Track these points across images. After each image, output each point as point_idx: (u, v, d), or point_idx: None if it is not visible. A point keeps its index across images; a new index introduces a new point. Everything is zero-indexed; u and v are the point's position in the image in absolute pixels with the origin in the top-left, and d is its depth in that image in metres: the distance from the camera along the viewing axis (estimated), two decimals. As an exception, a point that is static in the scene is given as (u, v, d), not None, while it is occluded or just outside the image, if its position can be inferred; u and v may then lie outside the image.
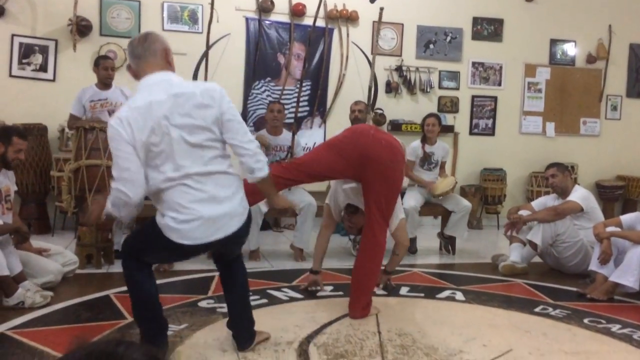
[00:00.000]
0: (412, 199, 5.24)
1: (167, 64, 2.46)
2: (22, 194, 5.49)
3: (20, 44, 5.97)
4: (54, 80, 6.07)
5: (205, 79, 4.68)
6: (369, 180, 3.23)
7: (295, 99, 6.31)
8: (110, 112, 5.00)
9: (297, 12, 6.55)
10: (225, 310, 3.08)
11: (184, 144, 2.36)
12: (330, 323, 3.20)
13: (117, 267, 4.39)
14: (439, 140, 5.57)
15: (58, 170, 5.46)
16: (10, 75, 5.96)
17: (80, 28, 5.99)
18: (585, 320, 3.43)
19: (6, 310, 3.24)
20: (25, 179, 5.56)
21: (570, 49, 7.49)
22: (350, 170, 3.27)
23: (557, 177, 4.70)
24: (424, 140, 5.45)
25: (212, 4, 4.37)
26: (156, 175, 2.36)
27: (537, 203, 4.95)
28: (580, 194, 4.64)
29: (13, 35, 5.93)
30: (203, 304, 3.50)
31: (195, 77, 6.31)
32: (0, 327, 2.99)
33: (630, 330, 3.27)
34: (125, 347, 0.87)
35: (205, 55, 4.67)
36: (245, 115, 6.50)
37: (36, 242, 3.97)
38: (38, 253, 3.78)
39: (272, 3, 6.48)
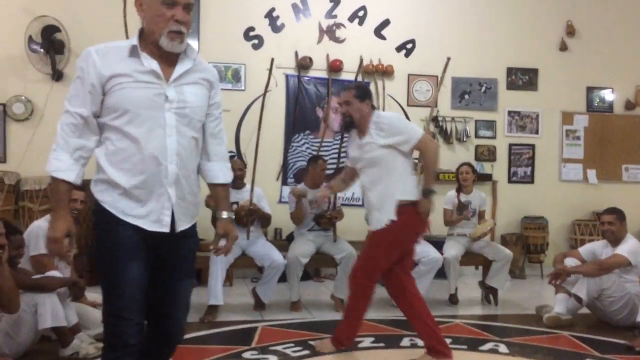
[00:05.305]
0: (452, 249, 5.25)
1: None
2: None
3: None
4: None
5: (258, 135, 5.32)
6: None
7: (335, 151, 6.49)
8: None
9: (335, 67, 6.80)
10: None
11: None
12: (373, 375, 3.22)
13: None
14: (475, 189, 5.61)
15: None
16: None
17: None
18: (635, 374, 3.35)
19: (62, 360, 3.38)
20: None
21: (607, 96, 7.48)
22: None
23: (614, 225, 4.46)
24: (459, 190, 5.49)
25: (270, 69, 5.23)
26: None
27: (585, 250, 4.76)
28: (629, 246, 4.40)
29: None
30: (247, 355, 3.57)
31: (238, 131, 6.60)
32: (57, 377, 3.12)
33: (683, 385, 3.18)
34: None
35: (260, 114, 5.40)
36: (285, 167, 6.71)
37: (89, 294, 4.14)
38: (92, 306, 3.94)
39: (311, 60, 6.77)
